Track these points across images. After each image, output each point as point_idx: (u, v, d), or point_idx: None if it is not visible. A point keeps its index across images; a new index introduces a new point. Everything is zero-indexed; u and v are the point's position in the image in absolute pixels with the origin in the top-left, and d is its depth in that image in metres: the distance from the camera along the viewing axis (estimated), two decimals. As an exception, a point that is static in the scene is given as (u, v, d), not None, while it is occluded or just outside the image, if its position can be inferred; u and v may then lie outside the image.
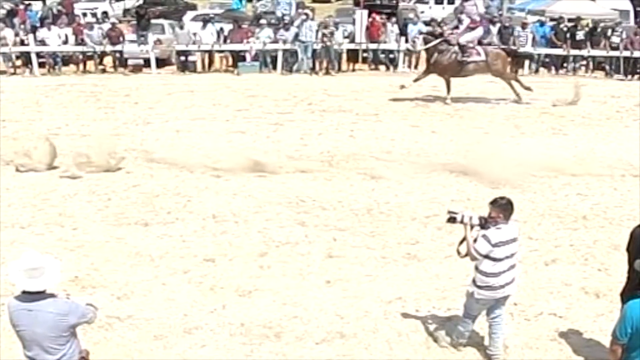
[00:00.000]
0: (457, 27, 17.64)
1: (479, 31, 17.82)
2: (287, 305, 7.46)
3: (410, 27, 21.83)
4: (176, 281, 7.97)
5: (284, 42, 21.52)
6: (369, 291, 7.75)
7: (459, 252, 6.39)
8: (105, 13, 28.90)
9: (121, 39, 21.51)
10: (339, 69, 21.84)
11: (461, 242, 6.32)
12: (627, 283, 6.23)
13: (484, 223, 6.15)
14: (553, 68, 21.76)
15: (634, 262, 6.00)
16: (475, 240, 6.13)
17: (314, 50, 21.42)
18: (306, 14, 22.63)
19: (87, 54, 21.55)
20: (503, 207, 6.10)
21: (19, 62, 21.36)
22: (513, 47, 19.93)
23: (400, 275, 8.16)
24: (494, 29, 21.53)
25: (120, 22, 25.00)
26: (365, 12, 23.10)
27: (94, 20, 25.48)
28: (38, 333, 4.66)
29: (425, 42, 17.69)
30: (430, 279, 8.07)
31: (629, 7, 27.27)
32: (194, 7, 32.52)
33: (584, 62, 21.94)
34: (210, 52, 21.92)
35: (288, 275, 8.13)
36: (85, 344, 5.17)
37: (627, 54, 21.08)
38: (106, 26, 22.30)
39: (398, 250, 8.83)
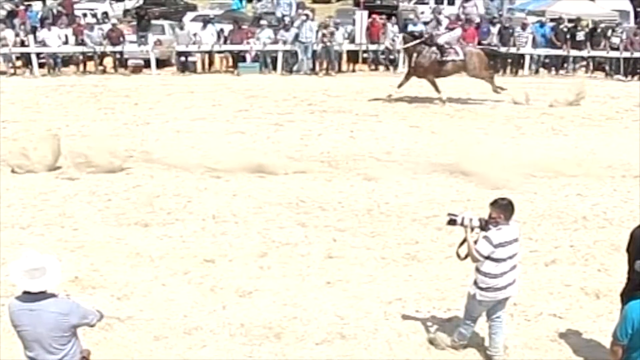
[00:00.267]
0: (436, 28, 17.84)
1: (458, 32, 18.27)
2: (287, 305, 7.46)
3: (410, 27, 21.84)
4: (176, 282, 7.98)
5: (284, 42, 21.53)
6: (369, 292, 7.75)
7: (458, 255, 6.38)
8: (105, 14, 28.88)
9: (121, 39, 21.52)
10: (339, 70, 21.85)
11: (461, 245, 6.31)
12: (627, 284, 6.23)
13: (484, 225, 6.14)
14: (553, 68, 21.76)
15: (634, 263, 6.00)
16: (476, 242, 6.13)
17: (314, 51, 21.43)
18: (306, 15, 22.63)
19: (87, 55, 21.55)
20: (504, 208, 6.10)
21: (19, 63, 21.38)
22: (493, 47, 20.07)
23: (400, 275, 8.16)
24: (494, 30, 21.59)
25: (120, 22, 24.98)
26: (365, 12, 23.10)
27: (94, 20, 25.46)
28: (40, 333, 4.66)
29: (405, 41, 17.81)
30: (430, 279, 8.07)
31: (629, 7, 27.25)
32: (194, 8, 32.51)
33: (584, 63, 21.95)
34: (210, 53, 21.94)
35: (288, 276, 8.13)
36: (86, 344, 5.17)
37: (627, 54, 21.09)
38: (106, 27, 22.32)
39: (398, 250, 8.83)
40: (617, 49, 21.22)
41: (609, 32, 21.67)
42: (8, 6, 24.43)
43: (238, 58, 21.68)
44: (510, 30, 21.54)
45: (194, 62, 21.84)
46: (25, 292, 4.66)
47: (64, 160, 11.78)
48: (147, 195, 10.73)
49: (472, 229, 6.18)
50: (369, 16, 22.56)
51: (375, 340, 6.86)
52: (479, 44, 21.06)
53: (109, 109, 16.65)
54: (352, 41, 22.16)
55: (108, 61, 21.93)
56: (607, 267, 8.35)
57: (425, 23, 22.50)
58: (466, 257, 6.30)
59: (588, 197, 10.80)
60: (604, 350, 6.30)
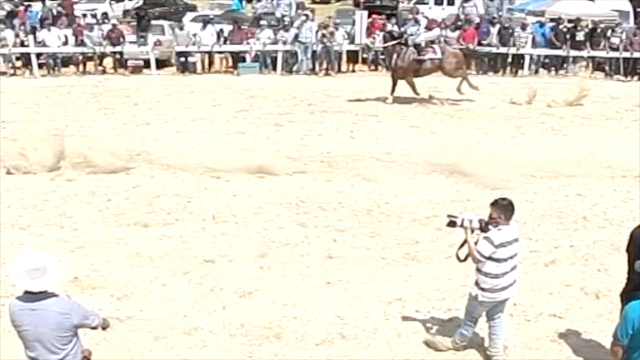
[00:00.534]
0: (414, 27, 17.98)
1: (436, 31, 18.60)
2: (287, 306, 7.46)
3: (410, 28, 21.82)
4: (176, 282, 7.98)
5: (284, 43, 21.53)
6: (369, 292, 7.75)
7: (458, 257, 6.37)
8: (105, 14, 28.87)
9: (121, 39, 21.52)
10: (339, 70, 21.85)
11: (461, 247, 6.31)
12: (627, 284, 6.23)
13: (484, 226, 6.14)
14: (553, 69, 21.76)
15: (633, 263, 6.00)
16: (476, 243, 6.13)
17: (314, 51, 21.43)
18: (306, 15, 22.64)
19: (87, 55, 21.54)
20: (504, 208, 6.09)
21: (19, 63, 21.37)
22: (471, 47, 20.16)
23: (400, 276, 8.16)
24: (494, 30, 21.60)
25: (120, 22, 24.98)
26: (365, 13, 23.10)
27: (94, 21, 25.45)
28: (42, 332, 4.66)
29: (385, 40, 17.87)
30: (430, 279, 8.07)
31: (628, 8, 27.26)
32: (193, 8, 32.47)
33: (584, 63, 21.95)
34: (210, 53, 21.92)
35: (288, 276, 8.13)
36: (86, 344, 5.17)
37: (626, 54, 21.09)
38: (106, 27, 22.31)
39: (398, 251, 8.83)
40: (617, 49, 21.22)
41: (609, 32, 21.66)
42: (8, 6, 24.43)
43: (238, 58, 21.67)
44: (510, 31, 21.54)
45: (194, 63, 21.81)
46: (26, 292, 4.67)
47: (63, 161, 11.78)
48: (147, 196, 10.73)
49: (472, 231, 6.18)
50: (369, 16, 22.57)
51: (375, 340, 6.86)
52: (479, 44, 21.13)
53: (109, 109, 16.65)
54: (352, 41, 22.17)
55: (108, 61, 21.92)
56: (607, 267, 8.35)
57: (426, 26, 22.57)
58: (466, 258, 6.29)
59: (588, 197, 10.80)
60: (604, 350, 6.31)
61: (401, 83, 17.45)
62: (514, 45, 21.20)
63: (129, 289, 7.77)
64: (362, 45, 21.31)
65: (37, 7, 26.02)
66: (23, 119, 15.57)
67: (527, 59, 21.53)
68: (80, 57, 21.50)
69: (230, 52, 21.90)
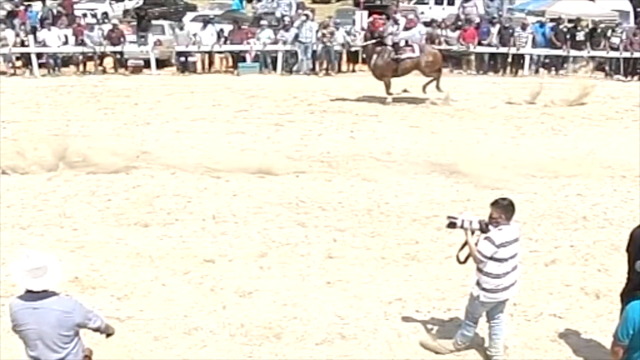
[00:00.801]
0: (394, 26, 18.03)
1: (414, 31, 18.71)
2: (287, 306, 7.46)
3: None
4: (176, 282, 7.98)
5: (284, 42, 21.51)
6: (369, 292, 7.75)
7: (458, 259, 6.36)
8: (105, 14, 28.88)
9: (121, 39, 21.52)
10: (339, 70, 21.85)
11: (461, 248, 6.30)
12: (627, 284, 6.23)
13: (485, 227, 6.14)
14: (553, 69, 21.76)
15: (634, 263, 6.00)
16: (476, 244, 6.12)
17: (314, 51, 21.43)
18: (306, 15, 22.62)
19: (87, 55, 21.53)
20: (504, 208, 6.09)
21: (19, 63, 21.36)
22: (450, 47, 20.33)
23: (400, 276, 8.16)
24: (494, 30, 21.59)
25: (120, 22, 24.97)
26: (365, 12, 23.11)
27: (94, 21, 25.45)
28: (44, 331, 4.67)
29: (365, 39, 17.95)
30: (430, 279, 8.07)
31: (629, 8, 27.26)
32: (194, 8, 32.47)
33: (584, 63, 21.93)
34: (210, 53, 21.91)
35: (288, 276, 8.13)
36: (86, 344, 5.17)
37: (627, 54, 21.08)
38: (106, 27, 22.30)
39: (398, 251, 8.83)
40: (617, 49, 21.20)
41: (609, 32, 21.65)
42: (8, 6, 24.41)
43: (238, 58, 21.66)
44: (510, 31, 21.52)
45: (194, 62, 21.80)
46: (27, 291, 4.67)
47: (62, 161, 11.77)
48: (147, 196, 10.73)
49: (472, 232, 6.18)
50: (369, 16, 22.56)
51: (375, 340, 6.87)
52: (479, 44, 21.13)
53: (109, 109, 16.64)
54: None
55: (108, 61, 21.92)
56: (607, 267, 8.35)
57: (425, 24, 22.55)
58: (466, 260, 6.29)
59: (588, 197, 10.80)
60: (604, 350, 6.31)
61: (394, 81, 17.48)
62: (514, 45, 21.19)
63: (129, 289, 7.77)
64: (343, 42, 21.38)
65: (37, 7, 26.04)
66: (23, 119, 15.55)
67: (527, 59, 21.51)
68: (81, 57, 21.47)
69: (231, 52, 21.89)
